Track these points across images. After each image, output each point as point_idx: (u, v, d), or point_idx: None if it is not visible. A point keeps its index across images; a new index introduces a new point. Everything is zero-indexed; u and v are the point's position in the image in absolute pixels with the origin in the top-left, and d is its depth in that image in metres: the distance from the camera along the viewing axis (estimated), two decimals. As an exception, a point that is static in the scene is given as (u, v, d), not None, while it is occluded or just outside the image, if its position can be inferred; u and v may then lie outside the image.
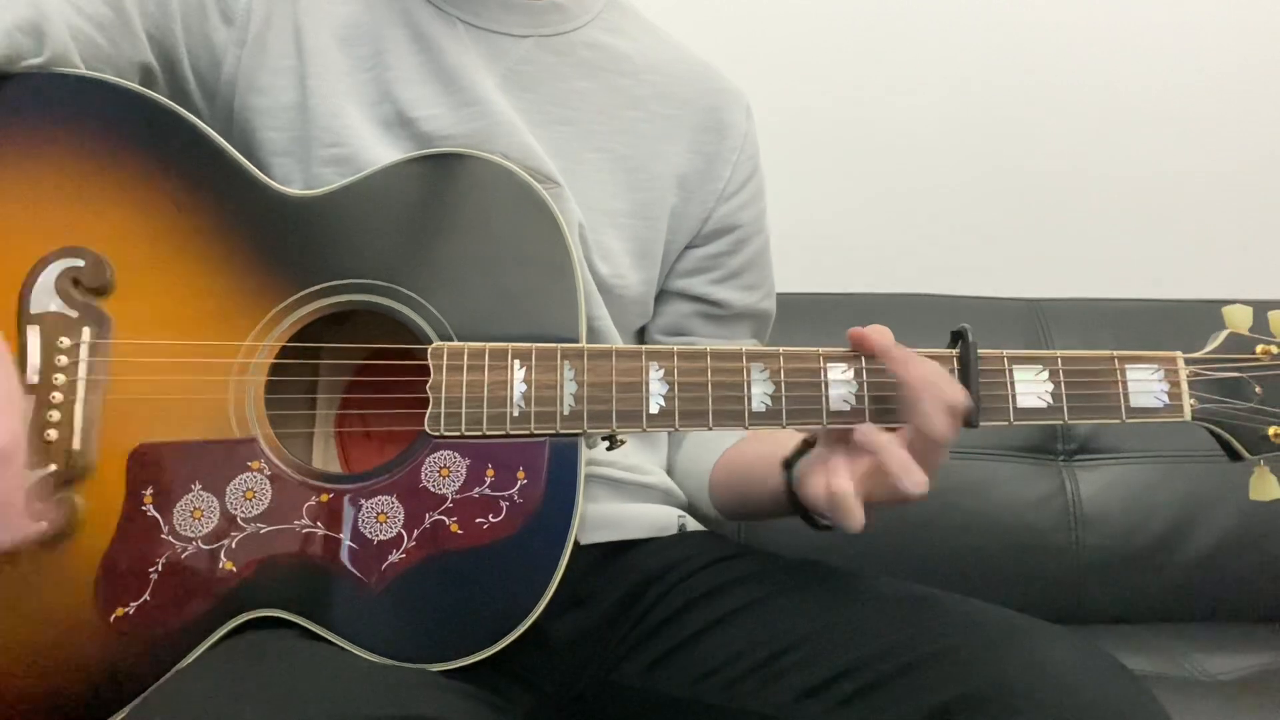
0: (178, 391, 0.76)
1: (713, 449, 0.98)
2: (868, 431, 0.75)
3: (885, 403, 0.77)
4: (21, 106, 0.78)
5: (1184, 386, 0.80)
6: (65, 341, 0.76)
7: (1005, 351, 0.79)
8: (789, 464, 0.84)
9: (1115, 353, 0.80)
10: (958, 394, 0.75)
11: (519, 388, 0.76)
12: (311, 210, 0.81)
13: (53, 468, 0.74)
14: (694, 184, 0.97)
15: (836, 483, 0.75)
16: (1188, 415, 0.80)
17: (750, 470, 0.92)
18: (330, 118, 0.86)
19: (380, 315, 0.79)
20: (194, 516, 0.74)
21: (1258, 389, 0.81)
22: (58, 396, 0.75)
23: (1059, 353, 0.79)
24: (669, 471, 1.01)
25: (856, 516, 0.74)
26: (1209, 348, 0.82)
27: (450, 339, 0.78)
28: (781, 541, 1.05)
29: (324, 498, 0.76)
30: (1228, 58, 1.61)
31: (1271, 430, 0.81)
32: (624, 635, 0.86)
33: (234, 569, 0.74)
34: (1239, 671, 1.21)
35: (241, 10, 0.87)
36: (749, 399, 0.77)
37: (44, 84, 0.79)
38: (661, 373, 0.78)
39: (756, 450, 0.92)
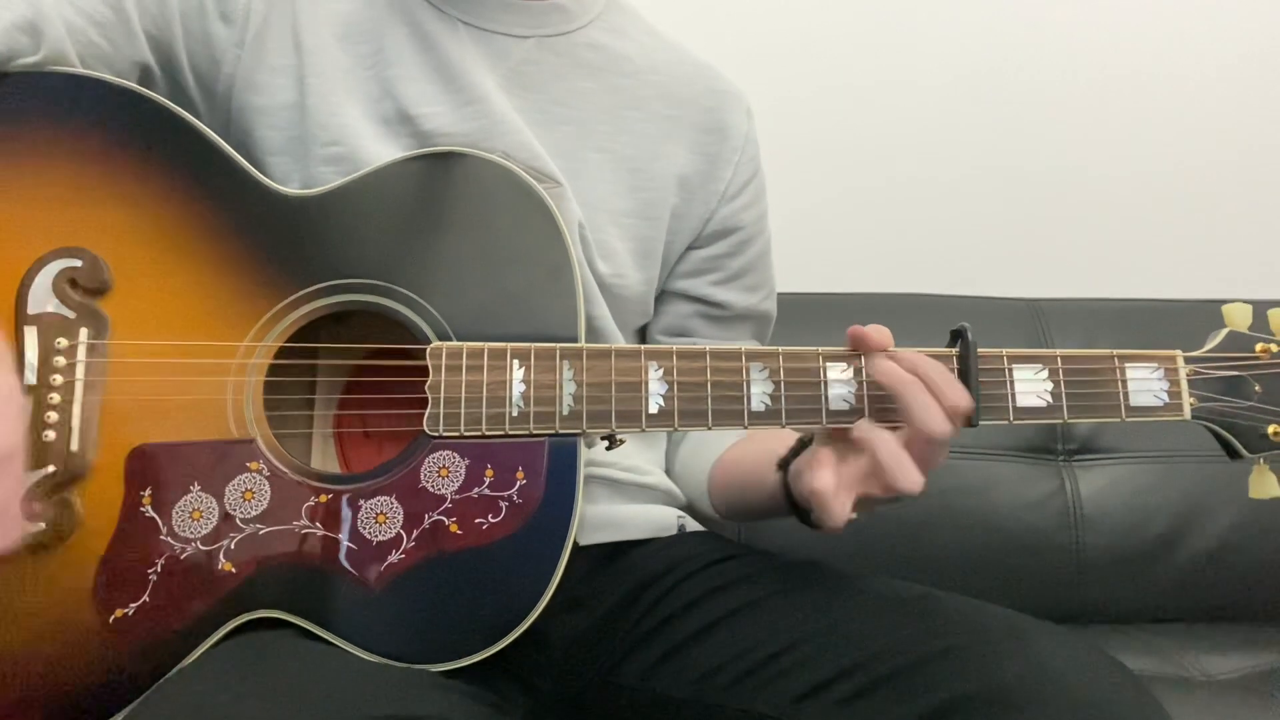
0: (176, 392, 0.76)
1: (712, 448, 0.98)
2: (864, 427, 0.75)
3: (884, 402, 0.76)
4: (18, 106, 0.78)
5: (1183, 385, 0.80)
6: (63, 342, 0.76)
7: (1005, 350, 0.79)
8: (784, 464, 0.84)
9: (1115, 351, 0.80)
10: (958, 394, 0.74)
11: (518, 387, 0.76)
12: (310, 210, 0.81)
13: (50, 469, 0.74)
14: (695, 185, 0.97)
15: (818, 478, 0.75)
16: (1187, 414, 0.80)
17: (748, 470, 0.92)
18: (328, 116, 0.86)
19: (379, 315, 0.79)
20: (193, 517, 0.74)
21: (1257, 387, 0.81)
22: (55, 397, 0.75)
23: (1058, 352, 0.79)
24: (668, 472, 1.00)
25: (835, 514, 0.74)
26: (1208, 346, 0.82)
27: (449, 339, 0.78)
28: (781, 541, 1.05)
29: (323, 498, 0.75)
30: (1227, 57, 1.61)
31: (1271, 428, 0.81)
32: (624, 636, 0.86)
33: (233, 570, 0.74)
34: (1239, 671, 1.21)
35: (240, 9, 0.87)
36: (748, 399, 0.77)
37: (40, 83, 0.79)
38: (661, 372, 0.77)
39: (754, 450, 0.92)
